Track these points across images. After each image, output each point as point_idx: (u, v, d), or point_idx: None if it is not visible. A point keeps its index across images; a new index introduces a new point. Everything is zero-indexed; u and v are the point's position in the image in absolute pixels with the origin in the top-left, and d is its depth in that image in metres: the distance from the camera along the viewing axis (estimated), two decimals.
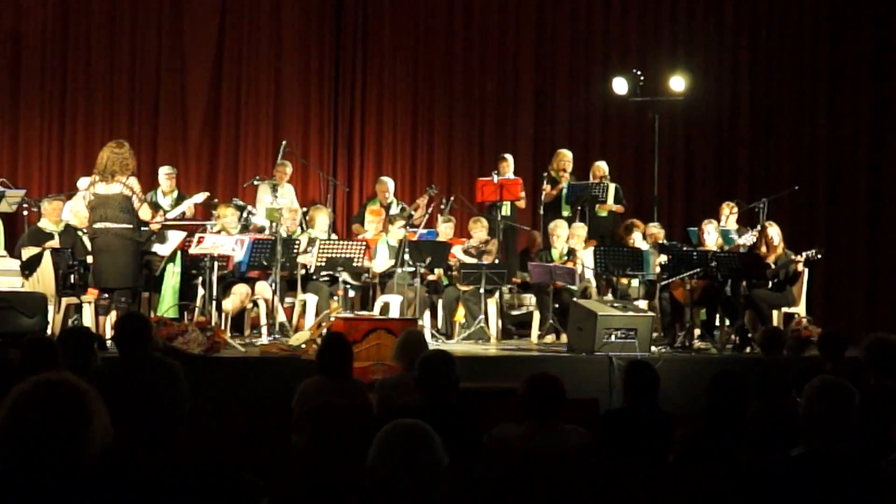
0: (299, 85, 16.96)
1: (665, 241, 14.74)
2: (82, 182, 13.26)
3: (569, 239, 14.57)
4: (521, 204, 15.63)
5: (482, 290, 13.66)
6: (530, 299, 14.80)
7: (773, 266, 13.54)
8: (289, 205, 14.64)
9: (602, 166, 15.81)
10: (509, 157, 15.69)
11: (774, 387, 7.48)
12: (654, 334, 13.07)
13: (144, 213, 11.65)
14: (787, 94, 18.20)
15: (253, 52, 16.86)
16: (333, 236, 14.40)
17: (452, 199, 15.31)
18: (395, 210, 15.14)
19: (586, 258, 14.26)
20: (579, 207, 15.25)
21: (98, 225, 11.41)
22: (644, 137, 17.21)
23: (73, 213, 13.09)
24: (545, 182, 15.53)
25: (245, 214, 13.62)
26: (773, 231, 13.76)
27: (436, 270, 14.17)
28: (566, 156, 15.73)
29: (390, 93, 17.31)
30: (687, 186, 18.08)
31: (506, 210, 15.25)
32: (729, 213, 14.97)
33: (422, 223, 15.20)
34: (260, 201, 14.83)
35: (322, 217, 14.21)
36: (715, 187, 17.74)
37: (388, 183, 15.59)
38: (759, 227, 14.09)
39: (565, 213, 15.32)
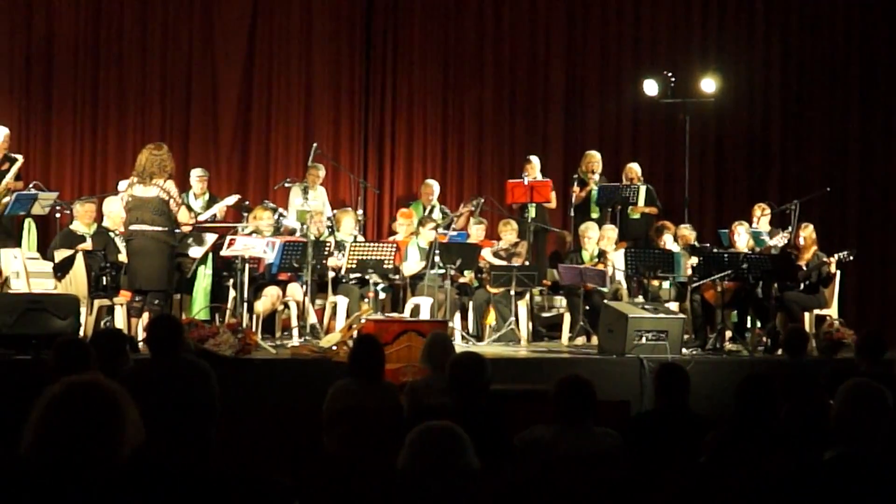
0: (330, 87, 16.96)
1: (696, 243, 14.66)
2: (122, 184, 13.29)
3: (599, 241, 14.53)
4: (552, 205, 15.61)
5: (512, 293, 13.60)
6: (561, 301, 14.77)
7: (804, 268, 13.49)
8: (320, 207, 14.66)
9: (635, 168, 15.82)
10: (535, 158, 15.65)
11: (800, 389, 7.43)
12: (685, 336, 12.99)
13: (182, 216, 11.68)
14: (819, 95, 18.13)
15: (283, 54, 16.88)
16: (360, 238, 14.38)
17: (483, 200, 15.29)
18: (437, 214, 15.16)
19: (617, 260, 14.21)
20: (610, 209, 15.27)
21: (133, 227, 11.44)
22: (675, 139, 17.15)
23: (107, 214, 13.14)
24: (575, 184, 15.56)
25: (276, 217, 13.60)
26: (807, 232, 13.77)
27: (466, 273, 14.16)
28: (594, 157, 15.72)
29: (420, 94, 17.31)
30: (718, 188, 18.01)
31: (536, 212, 15.27)
32: (760, 215, 14.87)
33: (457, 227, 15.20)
34: (291, 204, 14.86)
35: (348, 220, 14.19)
36: (746, 189, 17.67)
37: (434, 185, 15.64)
38: (790, 229, 14.05)
39: (594, 215, 15.31)
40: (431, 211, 15.24)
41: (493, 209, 15.68)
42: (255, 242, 12.64)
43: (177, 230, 11.86)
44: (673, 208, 16.46)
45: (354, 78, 17.09)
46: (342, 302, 13.33)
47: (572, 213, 15.41)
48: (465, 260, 13.65)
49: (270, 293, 12.99)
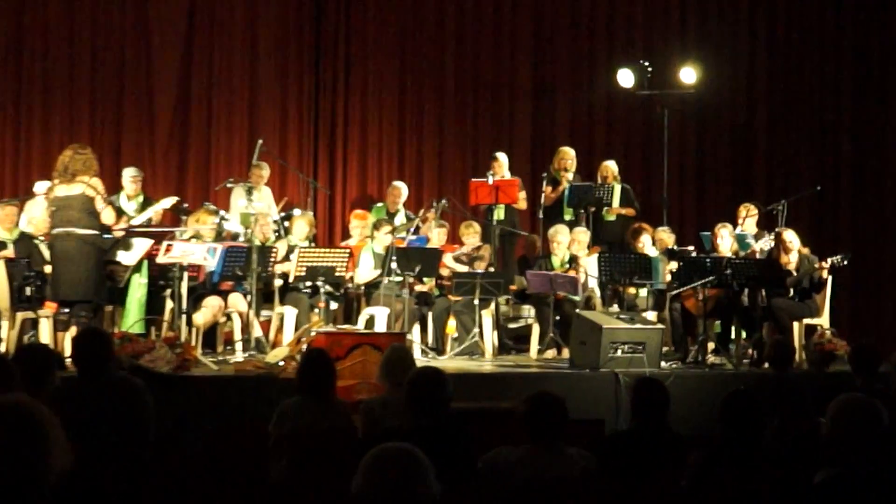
0: (276, 79, 16.93)
1: (675, 247, 14.61)
2: (39, 186, 13.31)
3: (571, 245, 14.45)
4: (520, 206, 15.55)
5: (476, 302, 13.53)
6: (529, 311, 14.70)
7: (794, 273, 13.48)
8: (265, 209, 14.62)
9: (611, 167, 15.80)
10: (501, 155, 15.60)
11: (788, 405, 7.43)
12: (665, 349, 13.00)
13: (108, 216, 11.58)
14: (809, 86, 18.19)
15: (225, 43, 16.85)
16: (313, 244, 14.35)
17: (444, 201, 15.17)
18: (400, 219, 15.17)
19: (590, 266, 14.13)
20: (582, 211, 15.22)
21: (58, 230, 11.36)
22: (652, 134, 17.20)
23: (30, 220, 13.04)
24: (545, 183, 15.53)
25: (217, 220, 13.49)
26: (789, 236, 13.68)
27: (425, 280, 14.09)
28: (568, 154, 15.69)
29: (376, 86, 17.27)
30: (699, 187, 18.07)
31: (502, 213, 15.24)
32: (746, 216, 14.89)
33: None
34: (234, 206, 14.83)
35: (301, 223, 14.15)
36: (730, 188, 17.73)
37: (402, 188, 15.67)
38: (777, 232, 14.03)
39: (567, 217, 15.28)
40: (395, 216, 15.21)
41: (455, 211, 15.65)
42: (194, 248, 12.48)
43: (107, 234, 11.79)
44: (651, 209, 16.43)
45: (303, 68, 17.06)
46: (290, 313, 13.28)
47: (542, 215, 15.33)
48: (425, 266, 13.57)
49: (211, 304, 12.90)
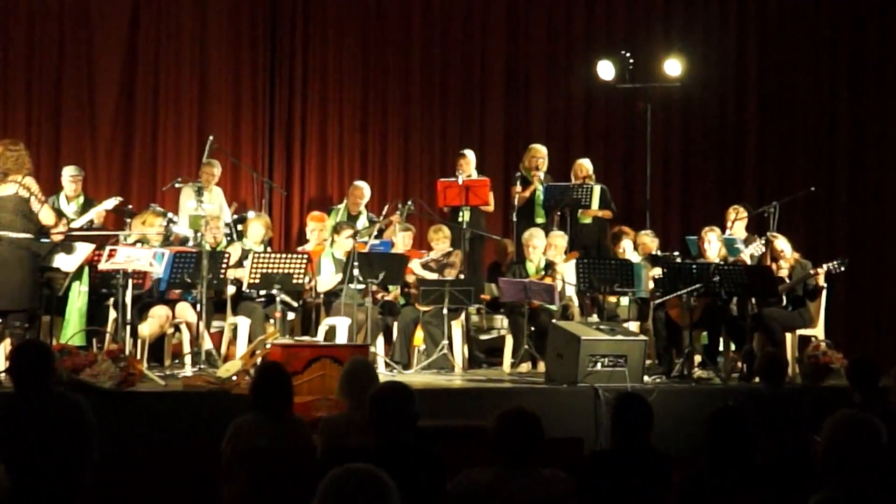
0: (228, 71, 16.91)
1: (659, 253, 14.62)
2: None
3: (546, 250, 14.37)
4: (490, 208, 15.54)
5: (445, 311, 13.52)
6: (501, 321, 14.77)
7: (787, 280, 13.47)
8: (216, 211, 14.58)
9: (585, 165, 15.81)
10: (469, 152, 15.58)
11: (781, 422, 7.42)
12: (648, 362, 12.91)
13: (47, 216, 11.45)
14: (803, 79, 18.18)
15: (173, 32, 16.82)
16: (268, 249, 14.30)
17: (410, 203, 15.16)
18: (363, 222, 15.16)
19: (567, 272, 14.03)
20: (559, 213, 15.21)
21: None
22: (634, 130, 17.21)
23: None
24: (517, 182, 15.55)
25: (165, 223, 13.37)
26: (781, 244, 13.73)
27: (390, 288, 14.07)
28: (539, 152, 15.68)
29: (336, 78, 17.26)
30: (685, 188, 18.07)
31: (471, 216, 15.18)
32: (735, 219, 14.84)
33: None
34: (182, 208, 14.85)
35: (256, 226, 14.12)
36: (717, 188, 17.76)
37: (364, 189, 15.71)
38: (767, 237, 14.01)
39: (540, 220, 15.31)
40: (356, 219, 15.22)
41: (421, 213, 15.65)
42: (139, 254, 12.36)
43: (43, 238, 11.67)
44: (632, 211, 16.57)
45: (257, 58, 17.07)
46: (243, 323, 13.27)
47: (514, 218, 15.36)
48: (390, 273, 13.50)
49: (158, 314, 12.85)
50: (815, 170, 17.78)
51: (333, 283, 13.80)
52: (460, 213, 15.12)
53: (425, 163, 17.41)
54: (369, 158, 17.34)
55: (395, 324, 13.97)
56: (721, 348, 13.79)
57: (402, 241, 14.62)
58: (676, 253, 15.01)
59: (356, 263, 13.23)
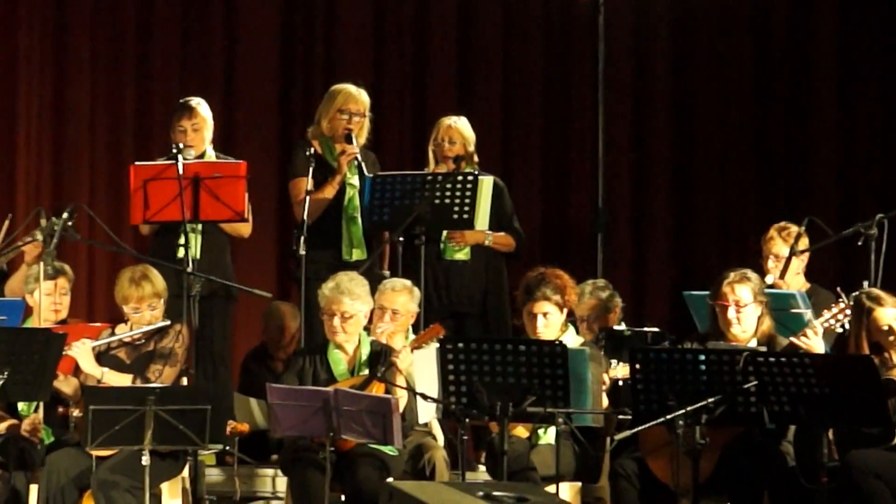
0: None
1: (625, 328, 9.77)
2: None
3: (373, 321, 9.52)
4: (244, 230, 10.31)
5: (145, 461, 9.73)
6: (273, 481, 10.48)
7: None
8: None
9: (463, 129, 10.49)
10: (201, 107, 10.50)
11: None
12: None
13: None
14: None
15: None
16: None
17: (67, 214, 10.20)
18: None
19: (421, 371, 9.09)
20: (401, 239, 10.15)
21: None
22: (572, 51, 12.73)
23: None
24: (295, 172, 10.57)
25: None
26: (891, 312, 8.51)
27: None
28: (354, 99, 10.30)
29: None
30: (683, 187, 13.10)
31: (206, 244, 10.36)
32: (787, 247, 9.96)
33: None
34: None
35: None
36: (757, 186, 13.01)
37: None
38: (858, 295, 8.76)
39: (356, 254, 10.33)
40: None
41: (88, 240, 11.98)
42: None
43: None
44: (569, 235, 12.47)
45: None
46: None
47: (300, 250, 10.00)
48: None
49: None
50: None
51: None
52: (182, 237, 9.89)
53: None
54: None
55: None
56: None
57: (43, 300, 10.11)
58: (658, 329, 9.82)
59: None
